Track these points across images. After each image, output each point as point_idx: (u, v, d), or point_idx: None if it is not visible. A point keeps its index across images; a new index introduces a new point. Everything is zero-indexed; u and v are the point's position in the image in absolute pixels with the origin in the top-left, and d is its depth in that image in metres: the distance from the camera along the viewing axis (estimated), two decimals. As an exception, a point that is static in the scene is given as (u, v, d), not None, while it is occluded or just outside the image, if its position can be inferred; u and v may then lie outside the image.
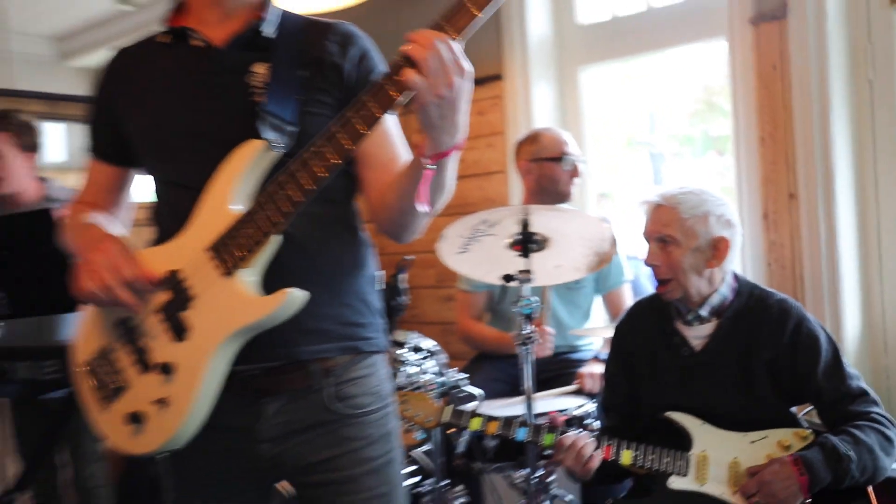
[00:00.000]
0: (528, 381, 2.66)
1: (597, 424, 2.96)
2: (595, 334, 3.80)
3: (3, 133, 3.83)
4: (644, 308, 2.78)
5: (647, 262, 2.59)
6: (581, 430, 2.56)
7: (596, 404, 3.14)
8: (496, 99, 4.60)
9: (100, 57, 8.04)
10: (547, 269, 2.80)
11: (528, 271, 2.68)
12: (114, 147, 2.03)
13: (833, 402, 2.46)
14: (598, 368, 3.46)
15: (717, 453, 2.45)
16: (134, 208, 2.15)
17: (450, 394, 3.00)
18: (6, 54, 6.85)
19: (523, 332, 2.66)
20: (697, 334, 2.60)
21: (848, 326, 3.50)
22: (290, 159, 1.70)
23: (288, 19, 1.93)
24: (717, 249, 2.52)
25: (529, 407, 2.64)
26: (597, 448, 2.44)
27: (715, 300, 2.57)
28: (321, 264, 1.87)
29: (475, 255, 2.83)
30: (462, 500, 3.23)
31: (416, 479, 3.20)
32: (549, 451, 2.56)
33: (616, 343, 2.81)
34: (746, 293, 2.61)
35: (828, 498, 2.33)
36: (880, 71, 3.48)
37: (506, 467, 3.04)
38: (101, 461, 4.08)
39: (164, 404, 1.76)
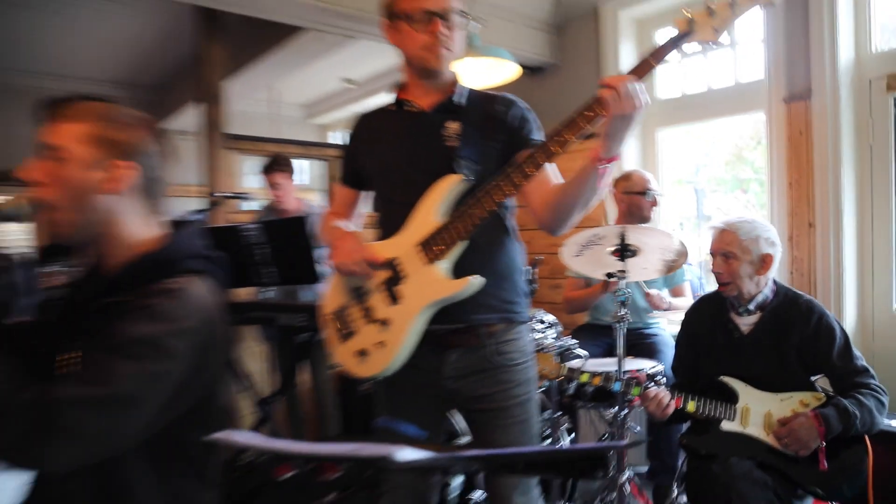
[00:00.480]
0: (620, 348, 2.58)
1: (663, 380, 2.84)
2: (663, 316, 3.67)
3: (283, 172, 4.05)
4: (707, 301, 2.68)
5: (714, 270, 2.50)
6: (659, 386, 2.46)
7: (663, 366, 3.03)
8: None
9: (332, 117, 8.26)
10: (636, 269, 2.72)
11: (623, 271, 2.60)
12: (354, 177, 2.08)
13: (843, 375, 2.34)
14: (660, 293, 3.40)
15: (756, 406, 2.35)
16: (363, 215, 2.16)
17: (564, 354, 2.94)
18: (276, 116, 7.10)
19: (619, 314, 2.57)
20: (746, 322, 2.49)
21: (847, 320, 3.39)
22: (476, 188, 1.76)
23: (471, 92, 1.94)
24: (764, 262, 2.42)
25: (621, 366, 2.55)
26: (671, 399, 2.35)
27: (759, 298, 2.47)
28: (490, 260, 1.86)
29: (586, 258, 2.78)
30: (567, 426, 3.17)
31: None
32: (631, 399, 2.48)
33: (685, 324, 2.72)
34: (782, 294, 2.49)
35: (836, 443, 2.21)
36: (878, 138, 3.38)
37: (598, 406, 2.98)
38: (329, 379, 4.17)
39: (381, 346, 1.80)
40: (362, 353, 1.82)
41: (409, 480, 1.91)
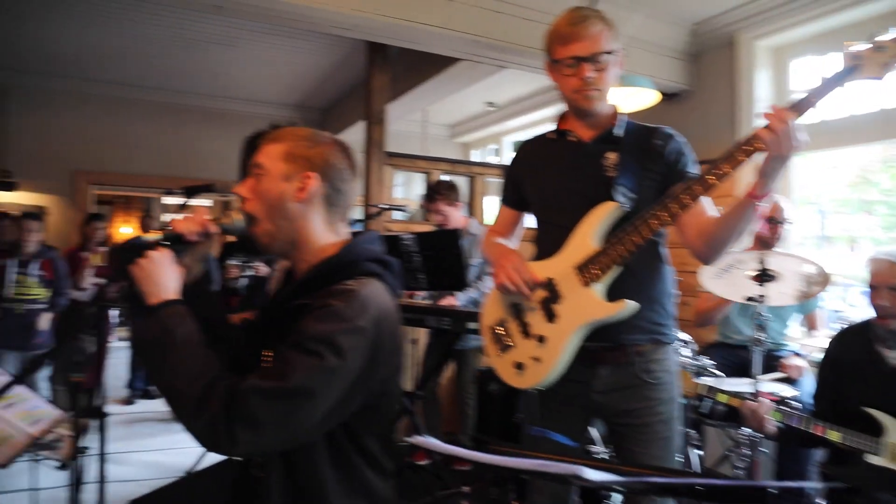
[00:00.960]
0: (756, 369, 2.43)
1: (798, 406, 2.64)
2: (798, 340, 3.42)
3: (438, 201, 3.98)
4: (853, 331, 2.45)
5: (877, 303, 2.29)
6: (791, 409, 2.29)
7: (795, 389, 2.84)
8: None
9: (474, 136, 8.35)
10: (774, 294, 2.56)
11: (763, 295, 2.45)
12: (515, 199, 2.07)
13: None
14: (797, 361, 3.13)
15: (904, 442, 2.12)
16: (521, 235, 2.16)
17: (699, 372, 2.80)
18: (426, 135, 7.27)
19: (754, 336, 2.43)
20: (894, 355, 2.26)
21: None
22: (632, 216, 1.73)
23: (630, 124, 1.89)
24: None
25: (756, 389, 2.40)
26: (808, 426, 2.19)
27: (912, 332, 2.23)
28: (643, 284, 1.81)
29: (725, 281, 2.65)
30: (697, 441, 3.02)
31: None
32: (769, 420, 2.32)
33: (829, 353, 2.50)
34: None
35: None
36: None
37: (728, 425, 2.83)
38: (473, 381, 4.20)
39: (537, 360, 1.78)
40: (519, 366, 1.81)
41: (553, 485, 1.89)
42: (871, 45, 1.47)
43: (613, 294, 1.71)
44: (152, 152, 6.80)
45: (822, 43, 3.96)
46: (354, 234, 1.40)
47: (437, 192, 3.98)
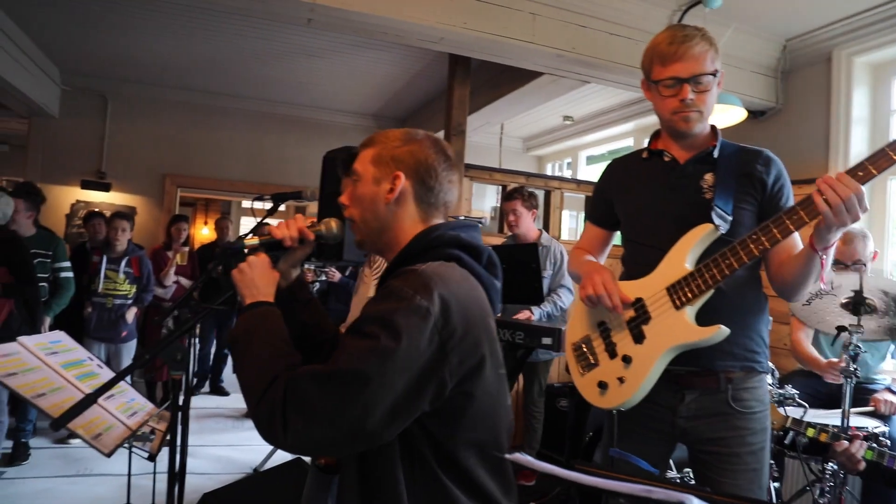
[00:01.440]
0: (846, 403, 2.31)
1: (888, 442, 2.49)
2: (891, 374, 3.24)
3: (517, 200, 4.02)
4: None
5: None
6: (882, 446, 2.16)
7: (885, 425, 2.69)
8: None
9: (547, 150, 8.29)
10: (867, 327, 2.42)
11: (858, 325, 2.33)
12: (604, 217, 2.04)
13: None
14: (890, 397, 2.96)
15: None
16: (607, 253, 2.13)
17: (783, 401, 2.69)
18: (497, 148, 7.29)
19: (846, 367, 2.32)
20: None
21: None
22: (728, 239, 1.66)
23: (726, 145, 1.83)
24: None
25: (846, 423, 2.29)
26: None
27: None
28: (736, 309, 1.75)
29: (814, 307, 2.54)
30: (775, 472, 2.89)
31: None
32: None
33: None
34: None
35: None
36: None
37: (811, 459, 2.69)
38: (542, 395, 4.17)
39: (622, 381, 1.74)
40: (602, 386, 1.77)
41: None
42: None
43: (706, 318, 1.65)
44: (236, 158, 7.07)
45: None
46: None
47: (518, 192, 4.03)
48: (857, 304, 2.41)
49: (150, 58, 5.86)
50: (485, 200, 8.05)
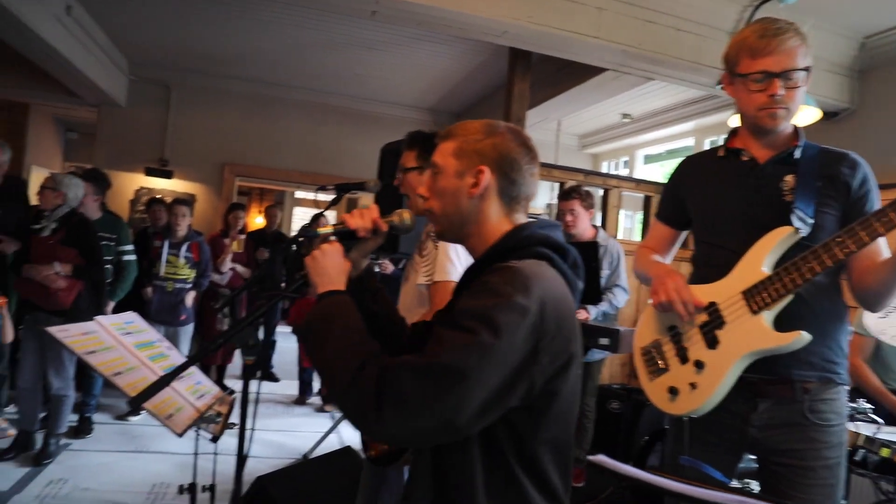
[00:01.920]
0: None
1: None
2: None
3: (575, 199, 3.91)
4: None
5: None
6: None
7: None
8: None
9: (603, 147, 8.19)
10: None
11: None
12: (674, 216, 1.99)
13: None
14: None
15: None
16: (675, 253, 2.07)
17: (854, 416, 2.58)
18: (553, 145, 7.21)
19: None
20: None
21: None
22: (808, 243, 1.60)
23: (808, 146, 1.75)
24: None
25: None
26: None
27: None
28: (818, 316, 1.67)
29: (889, 321, 2.41)
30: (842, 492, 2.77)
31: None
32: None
33: None
34: None
35: None
36: None
37: (882, 477, 2.57)
38: (594, 395, 4.12)
39: (693, 387, 1.69)
40: (672, 391, 1.72)
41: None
42: None
43: (782, 324, 1.59)
44: (292, 148, 7.17)
45: None
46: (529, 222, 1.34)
47: (575, 192, 3.95)
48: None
49: (213, 49, 5.98)
50: (538, 198, 7.98)
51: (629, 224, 7.96)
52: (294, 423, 5.19)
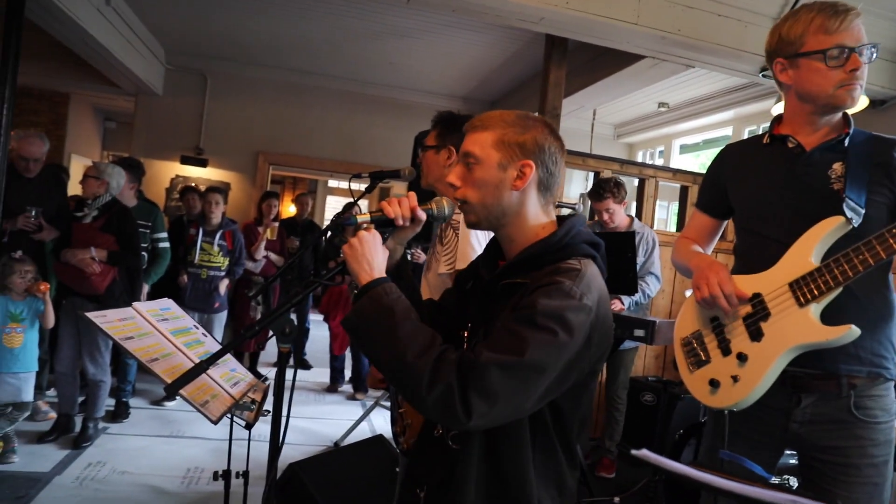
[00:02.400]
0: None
1: None
2: None
3: (608, 198, 3.87)
4: None
5: None
6: None
7: None
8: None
9: (639, 137, 8.07)
10: None
11: None
12: (715, 205, 1.94)
13: None
14: None
15: None
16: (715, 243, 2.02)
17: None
18: (588, 134, 7.12)
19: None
20: None
21: None
22: (857, 234, 1.54)
23: (857, 132, 1.69)
24: None
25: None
26: None
27: None
28: (866, 310, 1.62)
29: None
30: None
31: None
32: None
33: None
34: None
35: None
36: None
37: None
38: (625, 389, 4.07)
39: (735, 380, 1.65)
40: (714, 384, 1.68)
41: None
42: None
43: (830, 317, 1.53)
44: (325, 137, 7.19)
45: None
46: (562, 217, 1.38)
47: (607, 190, 3.86)
48: None
49: (248, 37, 6.01)
50: (571, 187, 7.90)
51: (664, 215, 7.84)
52: (325, 410, 5.23)
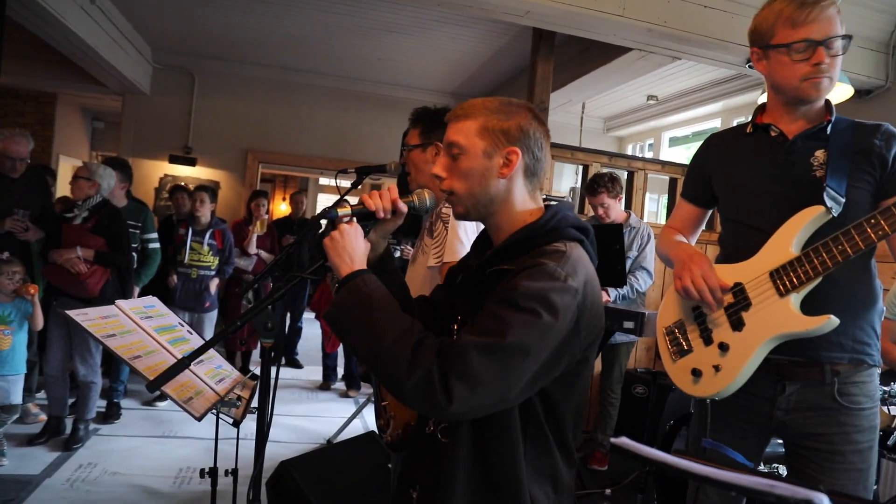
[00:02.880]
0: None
1: None
2: None
3: (602, 193, 3.85)
4: None
5: None
6: None
7: None
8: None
9: (629, 130, 8.07)
10: None
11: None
12: (700, 195, 1.94)
13: None
14: None
15: None
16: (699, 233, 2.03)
17: (886, 399, 2.51)
18: (577, 128, 7.13)
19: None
20: None
21: None
22: (839, 221, 1.55)
23: (840, 120, 1.69)
24: None
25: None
26: None
27: None
28: (849, 298, 1.63)
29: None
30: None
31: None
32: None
33: None
34: None
35: None
36: None
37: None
38: (620, 383, 4.08)
39: (717, 369, 1.65)
40: (696, 373, 1.68)
41: (721, 502, 1.77)
42: None
43: (812, 306, 1.54)
44: (315, 134, 7.18)
45: None
46: (548, 203, 1.37)
47: (601, 185, 3.86)
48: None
49: (236, 35, 5.99)
50: (562, 181, 7.91)
51: (654, 207, 7.86)
52: (318, 408, 5.23)
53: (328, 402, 5.45)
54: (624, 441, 0.89)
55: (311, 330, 6.85)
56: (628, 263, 3.77)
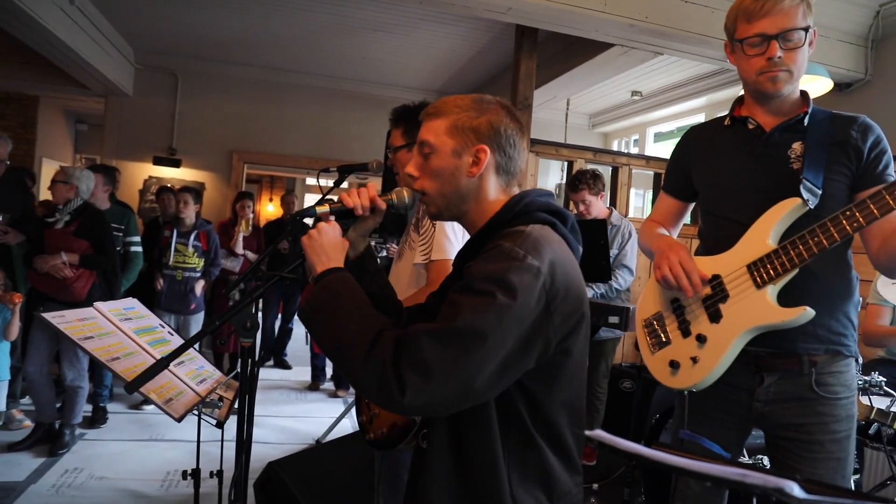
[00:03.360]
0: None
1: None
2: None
3: (583, 189, 3.83)
4: None
5: None
6: None
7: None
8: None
9: (614, 126, 8.10)
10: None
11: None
12: (680, 188, 1.95)
13: None
14: None
15: None
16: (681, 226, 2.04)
17: (866, 389, 2.53)
18: (562, 124, 7.14)
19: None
20: None
21: None
22: (816, 214, 1.56)
23: (817, 111, 1.70)
24: None
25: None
26: None
27: None
28: (825, 289, 1.64)
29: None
30: (856, 465, 2.73)
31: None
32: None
33: None
34: None
35: None
36: None
37: (892, 451, 2.53)
38: (606, 378, 4.10)
39: (695, 361, 1.67)
40: (674, 365, 1.70)
41: (702, 493, 1.78)
42: None
43: (789, 297, 1.56)
44: (301, 134, 7.16)
45: None
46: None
47: (582, 182, 3.85)
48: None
49: (219, 35, 5.96)
50: (549, 178, 7.92)
51: (640, 203, 7.89)
52: (307, 409, 5.22)
53: (317, 402, 5.45)
54: (598, 433, 0.89)
55: (300, 330, 6.84)
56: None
